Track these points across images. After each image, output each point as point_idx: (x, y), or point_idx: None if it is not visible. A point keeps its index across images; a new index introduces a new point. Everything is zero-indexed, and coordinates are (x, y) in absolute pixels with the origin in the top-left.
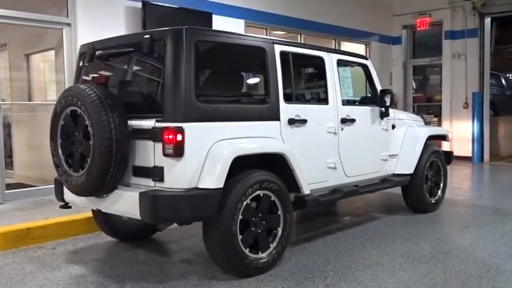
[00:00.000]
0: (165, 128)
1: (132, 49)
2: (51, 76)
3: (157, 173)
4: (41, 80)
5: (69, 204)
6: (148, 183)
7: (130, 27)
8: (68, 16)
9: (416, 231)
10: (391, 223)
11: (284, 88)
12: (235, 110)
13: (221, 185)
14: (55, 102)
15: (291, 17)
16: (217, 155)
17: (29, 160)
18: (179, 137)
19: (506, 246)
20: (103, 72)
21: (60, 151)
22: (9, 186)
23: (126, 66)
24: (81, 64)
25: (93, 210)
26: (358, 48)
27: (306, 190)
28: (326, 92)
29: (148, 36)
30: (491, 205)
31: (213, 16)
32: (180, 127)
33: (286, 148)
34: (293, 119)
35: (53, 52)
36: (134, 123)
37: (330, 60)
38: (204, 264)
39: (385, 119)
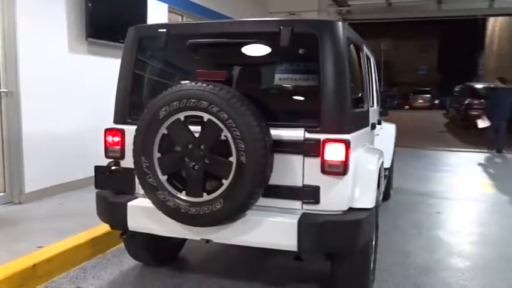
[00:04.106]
0: (327, 140)
1: (253, 40)
2: None
3: (309, 194)
4: None
5: (129, 232)
6: (291, 206)
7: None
8: None
9: (425, 224)
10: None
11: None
12: (361, 115)
13: (375, 203)
14: (150, 106)
15: (203, 7)
16: (366, 168)
17: None
18: (347, 151)
19: None
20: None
21: (158, 169)
22: None
23: (241, 61)
24: (137, 52)
25: (123, 232)
26: None
27: None
28: (373, 92)
29: (288, 27)
30: (424, 189)
31: None
32: (347, 140)
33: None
34: (374, 123)
35: None
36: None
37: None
38: None
39: None
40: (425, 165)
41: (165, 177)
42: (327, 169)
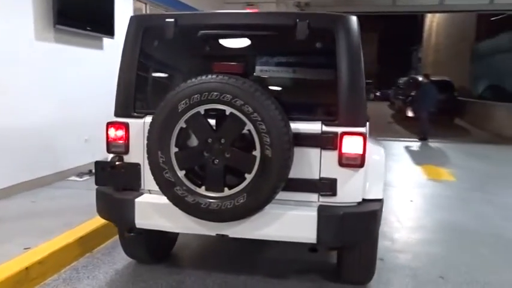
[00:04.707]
0: (345, 133)
1: (267, 33)
2: None
3: (326, 186)
4: None
5: (136, 230)
6: (307, 198)
7: None
8: None
9: (402, 212)
10: None
11: None
12: (366, 108)
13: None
14: (168, 99)
15: None
16: (376, 160)
17: None
18: (364, 144)
19: None
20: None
21: (175, 164)
22: None
23: (254, 54)
24: (141, 43)
25: (124, 231)
26: None
27: None
28: None
29: (304, 21)
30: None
31: None
32: (364, 133)
33: None
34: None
35: None
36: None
37: None
38: None
39: None
40: None
41: (183, 172)
42: (345, 162)
